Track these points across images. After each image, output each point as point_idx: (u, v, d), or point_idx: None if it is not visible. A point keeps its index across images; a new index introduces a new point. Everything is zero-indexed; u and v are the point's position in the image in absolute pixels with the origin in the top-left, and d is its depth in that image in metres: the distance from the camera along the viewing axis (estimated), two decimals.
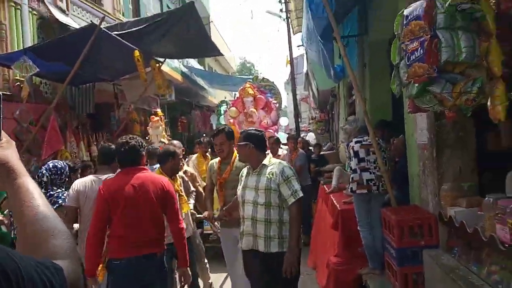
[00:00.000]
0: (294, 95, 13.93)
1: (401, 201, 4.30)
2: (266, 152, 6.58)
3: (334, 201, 5.04)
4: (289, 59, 13.75)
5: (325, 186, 6.24)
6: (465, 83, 2.37)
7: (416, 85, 2.41)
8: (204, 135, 9.86)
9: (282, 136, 8.24)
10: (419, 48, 2.31)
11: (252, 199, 3.13)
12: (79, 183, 3.51)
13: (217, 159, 4.12)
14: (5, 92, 6.74)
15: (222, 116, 9.00)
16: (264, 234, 3.06)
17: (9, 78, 6.90)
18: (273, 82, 9.63)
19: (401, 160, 4.57)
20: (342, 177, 5.55)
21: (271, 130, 8.10)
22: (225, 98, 13.04)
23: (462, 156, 3.41)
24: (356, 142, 4.50)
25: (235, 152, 3.78)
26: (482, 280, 2.71)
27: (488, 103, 2.37)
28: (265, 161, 3.23)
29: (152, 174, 3.27)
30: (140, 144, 3.05)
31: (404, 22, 2.43)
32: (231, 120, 8.36)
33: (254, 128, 3.44)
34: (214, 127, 9.37)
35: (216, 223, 4.20)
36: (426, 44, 2.28)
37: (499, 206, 2.53)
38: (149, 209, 2.95)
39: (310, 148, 9.46)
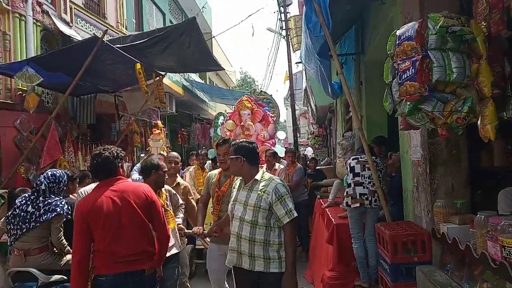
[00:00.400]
0: (293, 110, 14.06)
1: (396, 217, 4.36)
2: (260, 166, 6.44)
3: (330, 215, 5.08)
4: (288, 75, 13.91)
5: (321, 200, 6.28)
6: (455, 102, 2.45)
7: (408, 103, 2.49)
8: (203, 147, 9.80)
9: (280, 150, 8.02)
10: (411, 68, 2.39)
11: (239, 214, 2.92)
12: (84, 191, 3.55)
13: (217, 171, 3.95)
14: (7, 101, 6.83)
15: (219, 128, 8.70)
16: (248, 253, 2.84)
17: (11, 87, 6.99)
18: (271, 95, 9.34)
19: (396, 176, 4.63)
20: (340, 191, 5.60)
21: (268, 144, 7.97)
22: (225, 111, 12.78)
23: (455, 173, 3.47)
24: (353, 159, 4.63)
25: None
26: None
27: (478, 123, 2.44)
28: (257, 176, 2.96)
29: (131, 183, 3.05)
30: (115, 154, 2.81)
31: (397, 42, 2.52)
32: (228, 133, 8.18)
33: (245, 140, 3.17)
34: (212, 140, 9.18)
35: (207, 238, 3.91)
36: (418, 63, 2.37)
37: (490, 223, 2.57)
38: (132, 220, 2.72)
39: (308, 162, 9.32)
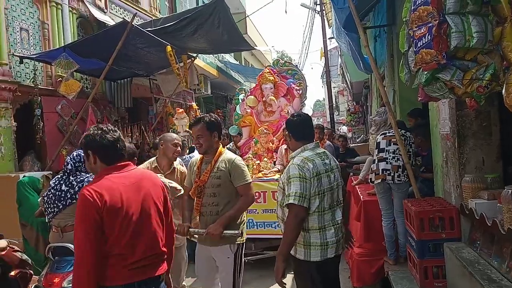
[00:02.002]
0: (329, 87, 13.79)
1: (426, 193, 4.23)
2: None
3: (359, 192, 5.00)
4: (323, 51, 13.60)
5: (353, 178, 6.19)
6: (476, 70, 2.31)
7: (425, 72, 2.37)
8: (225, 127, 9.52)
9: None
10: (427, 34, 2.27)
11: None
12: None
13: (199, 156, 3.36)
14: (48, 88, 7.19)
15: (239, 105, 7.83)
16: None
17: (52, 74, 7.34)
18: (296, 65, 8.08)
19: (429, 152, 4.47)
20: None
21: None
22: (248, 87, 11.64)
23: (485, 146, 3.30)
24: (381, 135, 4.51)
25: (220, 148, 3.26)
26: (501, 275, 2.63)
27: (503, 91, 2.29)
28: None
29: (142, 169, 2.72)
30: (118, 137, 2.34)
31: (412, 7, 2.39)
32: (248, 110, 7.51)
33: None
34: (233, 118, 8.31)
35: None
36: (434, 29, 2.24)
37: None
38: (153, 215, 2.31)
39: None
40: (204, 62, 11.80)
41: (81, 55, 6.40)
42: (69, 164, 3.57)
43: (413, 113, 5.37)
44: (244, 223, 3.31)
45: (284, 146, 5.86)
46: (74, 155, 3.62)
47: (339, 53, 12.37)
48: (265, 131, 6.70)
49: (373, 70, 4.47)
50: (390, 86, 6.73)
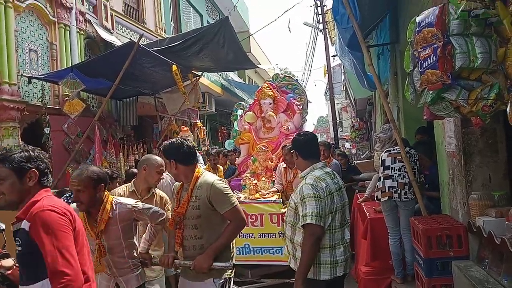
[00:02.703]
0: (333, 103, 13.88)
1: (433, 211, 4.22)
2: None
3: (365, 209, 4.99)
4: (326, 68, 13.73)
5: (358, 195, 6.18)
6: (481, 89, 2.34)
7: (431, 92, 2.41)
8: (215, 146, 8.69)
9: None
10: (432, 55, 2.31)
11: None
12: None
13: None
14: (55, 107, 7.29)
15: (236, 121, 7.44)
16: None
17: (59, 94, 7.44)
18: (296, 79, 7.63)
19: (432, 169, 4.47)
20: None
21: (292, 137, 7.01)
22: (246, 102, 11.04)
23: (492, 163, 3.29)
24: (385, 152, 4.53)
25: (197, 171, 2.81)
26: None
27: (508, 109, 2.31)
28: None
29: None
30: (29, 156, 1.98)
31: (417, 29, 2.44)
32: (247, 126, 7.05)
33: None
34: (231, 135, 7.88)
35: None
36: (439, 50, 2.28)
37: None
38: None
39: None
40: (209, 80, 11.94)
41: (88, 75, 6.51)
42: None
43: (420, 130, 5.44)
44: (234, 254, 2.91)
45: (283, 165, 5.60)
46: None
47: (342, 71, 12.49)
48: (263, 148, 6.31)
49: (377, 87, 4.52)
50: (394, 103, 6.78)
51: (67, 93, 7.23)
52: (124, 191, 3.44)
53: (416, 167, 4.30)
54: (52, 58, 7.41)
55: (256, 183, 5.71)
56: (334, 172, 2.90)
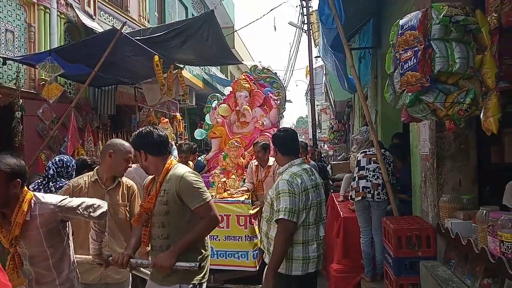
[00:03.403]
0: (313, 104, 14.02)
1: (404, 212, 4.33)
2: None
3: (339, 208, 5.08)
4: (309, 69, 13.85)
5: (333, 195, 6.27)
6: (458, 93, 2.42)
7: (410, 94, 2.47)
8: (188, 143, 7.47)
9: None
10: (413, 57, 2.37)
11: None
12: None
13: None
14: (30, 91, 7.08)
15: (208, 114, 6.95)
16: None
17: (35, 77, 7.24)
18: (275, 73, 7.02)
19: (403, 171, 4.60)
20: (349, 186, 5.60)
21: (268, 134, 6.12)
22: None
23: (463, 168, 3.41)
24: (361, 153, 4.63)
25: (170, 162, 2.58)
26: None
27: (481, 115, 2.40)
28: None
29: None
30: None
31: (399, 31, 2.50)
32: (219, 120, 6.58)
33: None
34: (203, 127, 7.40)
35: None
36: (420, 53, 2.35)
37: (491, 218, 2.53)
38: None
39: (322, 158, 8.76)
40: (191, 73, 11.84)
41: (67, 60, 6.35)
42: (51, 169, 3.52)
43: (396, 135, 5.63)
44: (208, 257, 2.62)
45: (255, 162, 5.34)
46: (57, 160, 3.57)
47: (324, 72, 12.63)
48: (235, 144, 5.92)
49: (357, 90, 4.60)
50: (373, 106, 6.91)
51: (44, 77, 7.03)
52: (85, 180, 2.98)
53: (390, 169, 4.41)
54: (29, 40, 7.19)
55: (225, 181, 5.41)
56: (312, 169, 2.93)
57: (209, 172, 6.09)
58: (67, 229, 2.36)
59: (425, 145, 3.71)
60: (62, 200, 2.26)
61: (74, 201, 2.29)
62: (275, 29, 15.78)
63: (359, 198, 4.26)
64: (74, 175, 3.55)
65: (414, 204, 4.19)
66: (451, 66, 2.36)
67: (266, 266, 2.67)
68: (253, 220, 4.81)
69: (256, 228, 4.80)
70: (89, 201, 2.35)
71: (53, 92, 6.32)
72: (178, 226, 2.45)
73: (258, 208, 4.96)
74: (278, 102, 6.58)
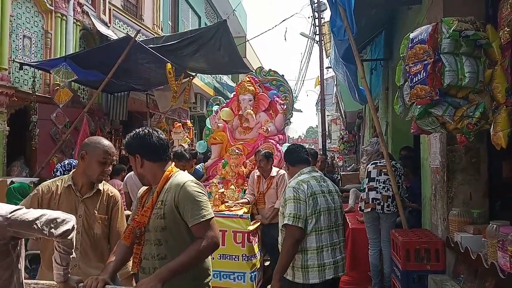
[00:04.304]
0: (323, 115, 14.02)
1: (413, 224, 4.30)
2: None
3: (347, 219, 5.05)
4: (319, 80, 13.89)
5: None
6: (467, 107, 2.42)
7: (419, 106, 2.47)
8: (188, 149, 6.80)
9: None
10: (422, 71, 2.38)
11: None
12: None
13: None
14: (45, 95, 7.22)
15: (209, 118, 6.42)
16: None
17: (50, 83, 7.39)
18: (282, 75, 6.46)
19: (413, 183, 4.58)
20: (358, 198, 5.57)
21: (272, 141, 5.68)
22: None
23: (474, 182, 3.38)
24: (371, 164, 4.61)
25: (170, 168, 2.19)
26: None
27: (491, 129, 2.39)
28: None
29: None
30: None
31: (410, 45, 2.52)
32: (221, 124, 6.04)
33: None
34: (204, 134, 6.81)
35: None
36: (429, 67, 2.36)
37: (501, 233, 2.51)
38: None
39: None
40: (202, 82, 11.97)
41: (82, 66, 6.48)
42: (58, 171, 3.56)
43: (405, 148, 5.62)
44: (209, 283, 2.22)
45: (257, 172, 4.85)
46: (65, 163, 3.61)
47: (335, 83, 12.65)
48: (236, 151, 5.35)
49: (368, 101, 4.60)
50: (384, 118, 6.89)
51: (58, 82, 7.17)
52: (58, 185, 2.48)
53: (401, 181, 4.39)
54: (46, 46, 7.36)
55: (222, 192, 4.84)
56: (323, 176, 2.97)
57: (207, 181, 5.49)
58: (19, 248, 1.80)
59: (436, 158, 3.69)
60: (14, 211, 1.71)
61: (31, 213, 1.75)
62: (285, 39, 15.85)
63: (369, 209, 4.24)
64: None
65: (424, 217, 4.16)
66: (460, 80, 2.37)
67: (273, 272, 2.70)
68: (252, 237, 4.28)
69: (256, 246, 4.35)
70: (51, 214, 1.81)
71: (63, 97, 6.43)
72: (177, 244, 2.06)
73: (258, 224, 4.59)
74: (285, 106, 6.00)
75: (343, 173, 8.78)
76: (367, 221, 4.34)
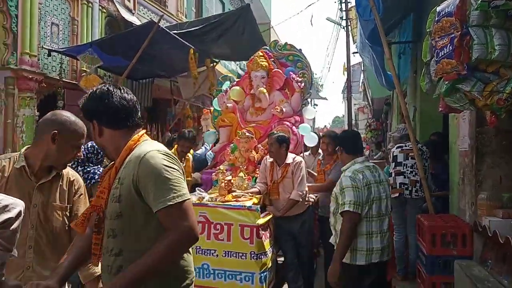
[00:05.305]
0: (349, 102, 13.78)
1: (439, 211, 4.17)
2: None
3: None
4: (346, 66, 13.64)
5: None
6: (498, 82, 2.29)
7: (446, 82, 2.37)
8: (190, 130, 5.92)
9: (307, 132, 5.06)
10: (449, 45, 2.27)
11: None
12: None
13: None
14: (72, 82, 7.39)
15: (216, 98, 5.70)
16: None
17: (77, 69, 7.55)
18: (300, 49, 5.75)
19: (437, 168, 4.44)
20: None
21: (288, 123, 5.03)
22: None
23: (504, 165, 3.24)
24: (397, 148, 4.49)
25: (136, 137, 1.70)
26: None
27: None
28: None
29: None
30: None
31: (436, 18, 2.40)
32: (230, 105, 5.33)
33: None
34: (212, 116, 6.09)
35: None
36: (456, 40, 2.24)
37: None
38: None
39: None
40: (226, 68, 11.93)
41: (107, 52, 6.57)
42: (82, 154, 3.63)
43: (434, 134, 5.43)
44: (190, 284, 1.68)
45: (270, 158, 4.22)
46: (89, 146, 3.67)
47: (362, 69, 12.37)
48: (246, 134, 4.70)
49: (395, 84, 4.46)
50: (411, 103, 6.70)
51: (84, 68, 7.31)
52: (4, 166, 1.99)
53: (427, 164, 4.26)
54: (73, 33, 7.51)
55: (230, 180, 4.24)
56: (376, 167, 3.12)
57: (215, 168, 4.93)
58: None
59: (465, 141, 3.56)
60: None
61: None
62: (312, 24, 15.58)
63: (396, 195, 4.13)
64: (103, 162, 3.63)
65: (451, 203, 4.03)
66: (490, 53, 2.24)
67: (334, 254, 2.87)
68: (262, 232, 3.68)
69: (266, 242, 3.75)
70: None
71: (91, 83, 6.52)
72: (136, 238, 1.57)
73: (270, 217, 3.95)
74: (302, 84, 5.27)
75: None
76: (393, 207, 4.21)
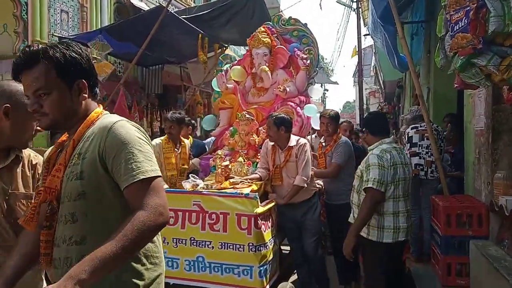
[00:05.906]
0: (361, 86, 13.61)
1: (454, 192, 4.12)
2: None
3: None
4: (356, 49, 13.42)
5: None
6: None
7: (461, 57, 2.30)
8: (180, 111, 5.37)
9: (313, 113, 4.70)
10: (464, 18, 2.20)
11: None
12: None
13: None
14: None
15: (215, 78, 5.27)
16: None
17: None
18: (305, 24, 5.31)
19: (456, 149, 4.36)
20: None
21: (291, 104, 4.65)
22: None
23: None
24: (412, 128, 4.44)
25: (97, 113, 1.47)
26: None
27: None
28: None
29: None
30: None
31: None
32: (230, 85, 4.99)
33: None
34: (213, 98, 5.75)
35: None
36: (472, 13, 2.16)
37: None
38: None
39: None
40: (236, 54, 11.85)
41: (116, 38, 6.56)
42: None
43: (448, 115, 5.38)
44: (160, 278, 1.47)
45: (271, 142, 3.89)
46: None
47: (374, 51, 12.15)
48: (246, 115, 4.39)
49: (408, 63, 4.36)
50: (425, 84, 6.58)
51: (95, 56, 7.31)
52: None
53: (443, 144, 4.20)
54: (82, 20, 7.52)
55: (227, 165, 3.95)
56: (402, 149, 3.16)
57: (214, 153, 4.53)
58: None
59: (480, 120, 3.48)
60: None
61: None
62: (320, 8, 15.34)
63: (411, 175, 4.10)
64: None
65: (466, 184, 3.97)
66: (507, 25, 2.15)
67: (350, 228, 2.95)
68: (261, 222, 3.37)
69: (267, 233, 3.44)
70: None
71: (103, 70, 6.53)
72: (102, 220, 1.37)
73: (272, 205, 3.66)
74: (308, 61, 4.83)
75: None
76: None
